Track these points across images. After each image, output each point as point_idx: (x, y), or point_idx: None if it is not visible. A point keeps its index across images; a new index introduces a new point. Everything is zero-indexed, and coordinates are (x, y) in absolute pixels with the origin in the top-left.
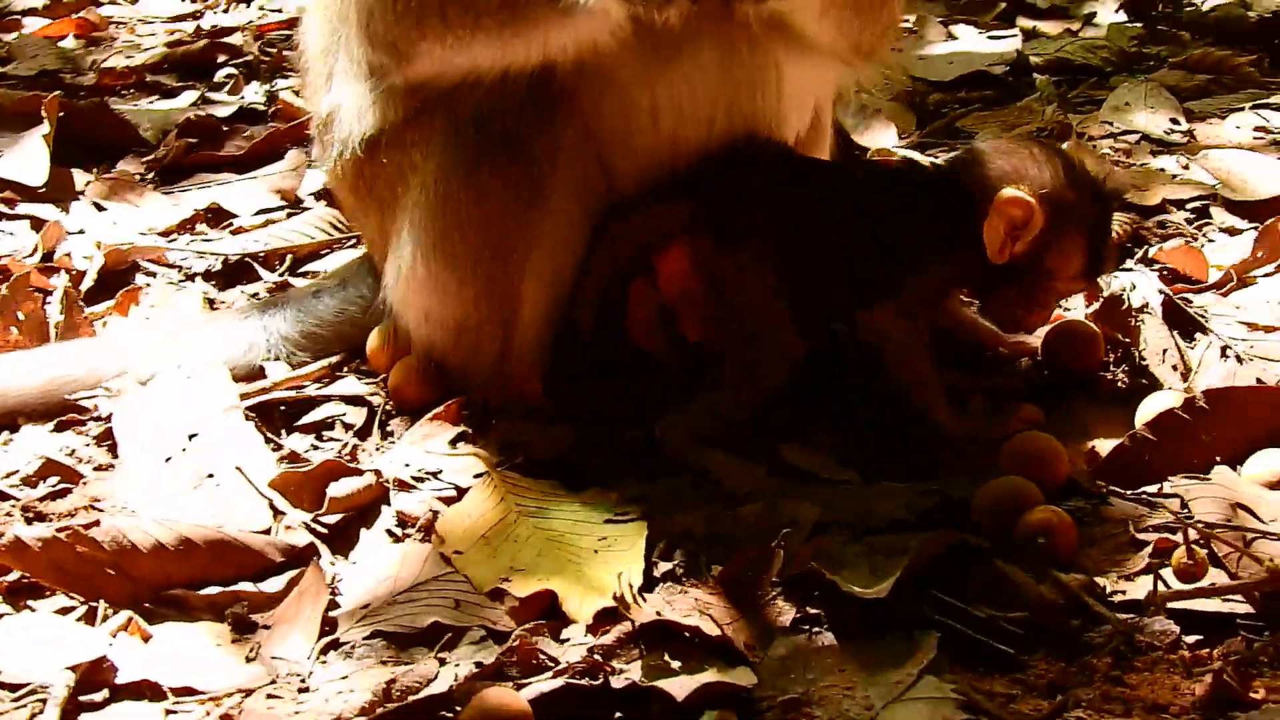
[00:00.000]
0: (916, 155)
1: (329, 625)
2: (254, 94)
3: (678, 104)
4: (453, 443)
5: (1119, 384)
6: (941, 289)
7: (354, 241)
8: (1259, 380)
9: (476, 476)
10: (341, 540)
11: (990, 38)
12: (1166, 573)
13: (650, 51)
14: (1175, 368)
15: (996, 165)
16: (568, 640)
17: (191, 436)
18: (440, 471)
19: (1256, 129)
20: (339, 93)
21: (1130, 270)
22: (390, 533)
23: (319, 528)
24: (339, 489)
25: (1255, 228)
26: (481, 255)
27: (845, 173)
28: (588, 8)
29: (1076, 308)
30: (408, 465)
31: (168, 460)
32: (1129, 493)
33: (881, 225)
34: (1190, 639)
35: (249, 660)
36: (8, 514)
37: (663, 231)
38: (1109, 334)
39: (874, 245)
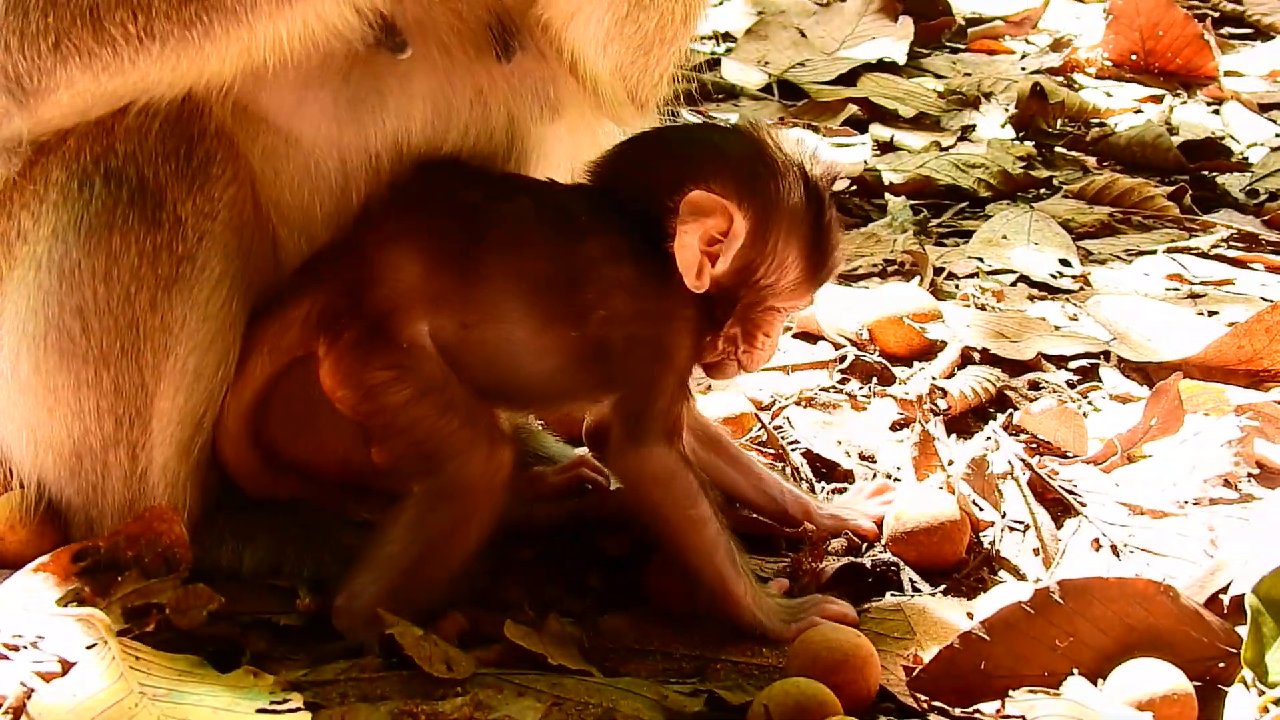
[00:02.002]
0: None
1: None
2: None
3: (377, 174)
4: (61, 602)
5: (961, 575)
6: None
7: None
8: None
9: (89, 647)
10: None
11: (833, 145)
12: None
13: (344, 102)
14: (1036, 552)
15: (675, 159)
16: None
17: None
18: (41, 639)
19: (1170, 277)
20: None
21: (986, 438)
22: None
23: None
24: None
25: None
26: (108, 352)
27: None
28: None
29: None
30: None
31: None
32: (957, 711)
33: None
34: None
35: None
36: None
37: (297, 330)
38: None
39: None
